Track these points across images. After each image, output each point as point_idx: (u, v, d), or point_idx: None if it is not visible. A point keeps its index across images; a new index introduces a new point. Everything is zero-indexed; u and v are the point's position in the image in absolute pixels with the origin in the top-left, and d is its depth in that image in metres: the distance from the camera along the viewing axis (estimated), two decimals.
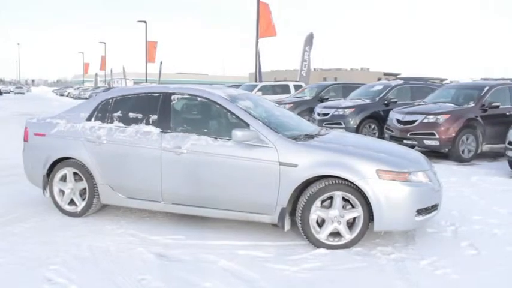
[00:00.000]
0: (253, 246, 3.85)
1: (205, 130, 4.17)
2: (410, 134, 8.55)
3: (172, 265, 3.43)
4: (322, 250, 3.73)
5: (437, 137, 8.21)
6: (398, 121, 8.91)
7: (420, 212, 3.74)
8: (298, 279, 3.23)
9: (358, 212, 3.72)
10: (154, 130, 4.26)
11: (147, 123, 4.33)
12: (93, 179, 4.48)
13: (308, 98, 13.79)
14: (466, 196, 5.64)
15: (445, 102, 9.03)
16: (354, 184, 3.67)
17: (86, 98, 32.51)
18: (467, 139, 8.34)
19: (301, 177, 3.76)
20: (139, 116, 4.40)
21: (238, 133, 3.86)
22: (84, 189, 4.56)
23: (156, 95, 4.46)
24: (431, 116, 8.39)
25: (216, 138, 4.06)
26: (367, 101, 10.99)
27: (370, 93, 11.39)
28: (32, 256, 3.56)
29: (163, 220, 4.55)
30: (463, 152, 8.32)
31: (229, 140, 4.00)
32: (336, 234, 3.79)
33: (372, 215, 3.69)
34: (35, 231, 4.20)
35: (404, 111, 9.03)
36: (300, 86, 18.02)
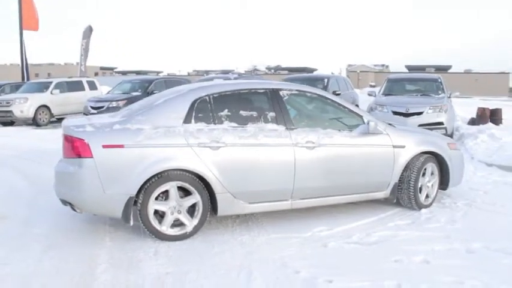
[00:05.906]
0: (382, 219, 4.45)
1: (327, 124, 4.38)
2: None
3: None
4: (424, 210, 4.73)
5: None
6: None
7: None
8: (463, 229, 4.15)
9: (436, 177, 4.92)
10: (278, 127, 4.11)
11: (266, 121, 4.11)
12: (205, 190, 3.87)
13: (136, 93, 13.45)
14: None
15: None
16: (437, 156, 4.84)
17: None
18: None
19: (409, 156, 4.62)
20: (254, 114, 4.11)
21: (372, 124, 4.35)
22: (194, 204, 3.87)
23: (261, 91, 4.26)
24: None
25: (340, 130, 4.36)
26: (137, 93, 13.18)
27: (138, 87, 13.88)
28: None
29: (262, 220, 4.40)
30: None
31: (351, 130, 4.40)
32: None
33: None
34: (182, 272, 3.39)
35: None
36: (93, 82, 17.04)
